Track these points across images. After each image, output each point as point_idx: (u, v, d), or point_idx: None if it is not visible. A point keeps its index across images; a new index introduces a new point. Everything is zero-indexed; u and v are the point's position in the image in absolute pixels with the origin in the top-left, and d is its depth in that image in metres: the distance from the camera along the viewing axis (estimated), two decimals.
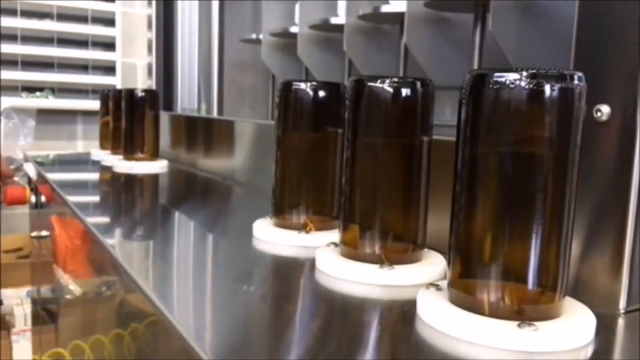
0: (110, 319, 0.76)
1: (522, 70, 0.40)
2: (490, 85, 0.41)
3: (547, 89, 0.40)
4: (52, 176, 1.30)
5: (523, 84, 0.40)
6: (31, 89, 2.71)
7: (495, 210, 0.43)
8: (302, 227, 0.67)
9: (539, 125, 0.41)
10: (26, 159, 1.72)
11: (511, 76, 0.40)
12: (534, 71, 0.40)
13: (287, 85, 0.69)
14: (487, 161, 0.43)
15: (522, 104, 0.40)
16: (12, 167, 2.33)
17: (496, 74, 0.41)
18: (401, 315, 0.48)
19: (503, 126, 0.42)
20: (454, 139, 0.45)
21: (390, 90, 0.53)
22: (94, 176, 1.44)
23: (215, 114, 1.48)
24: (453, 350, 0.41)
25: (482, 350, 0.40)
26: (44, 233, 1.35)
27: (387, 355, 0.41)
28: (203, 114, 1.60)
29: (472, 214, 0.44)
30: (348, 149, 0.56)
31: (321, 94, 0.67)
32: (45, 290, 1.49)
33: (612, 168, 0.47)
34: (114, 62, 2.86)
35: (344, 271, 0.54)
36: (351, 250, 0.56)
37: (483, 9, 0.81)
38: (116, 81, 2.86)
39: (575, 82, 0.41)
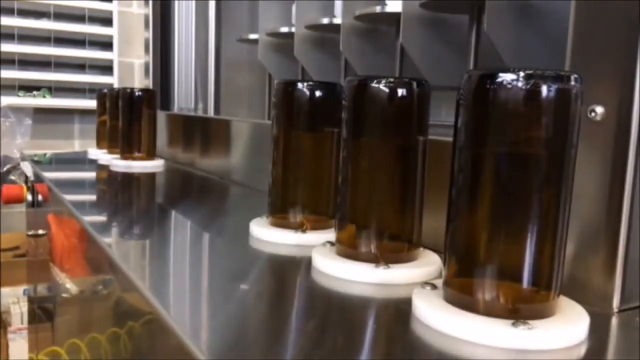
0: (106, 318, 0.76)
1: (519, 71, 0.40)
2: (488, 86, 0.41)
3: (544, 89, 0.40)
4: (49, 175, 1.30)
5: (520, 84, 0.40)
6: (28, 87, 2.70)
7: (491, 209, 0.43)
8: (299, 226, 0.67)
9: (535, 125, 0.41)
10: (23, 158, 1.72)
11: (508, 77, 0.40)
12: (530, 72, 0.40)
13: (283, 85, 0.69)
14: (484, 161, 0.43)
15: (519, 105, 0.41)
16: (9, 165, 2.33)
17: (494, 75, 0.41)
18: (396, 314, 0.48)
19: (500, 126, 0.42)
20: (450, 139, 0.45)
21: (387, 90, 0.53)
22: (91, 175, 1.44)
23: (212, 114, 1.48)
24: (448, 349, 0.41)
25: (477, 348, 0.40)
26: (41, 232, 1.35)
27: (382, 354, 0.41)
28: (200, 113, 1.60)
29: (468, 213, 0.44)
30: (344, 149, 0.57)
31: (318, 93, 0.67)
32: (41, 289, 1.48)
33: (606, 168, 0.47)
34: (111, 62, 2.86)
35: (339, 270, 0.55)
36: (347, 249, 0.56)
37: (478, 9, 0.81)
38: (113, 80, 2.86)
39: (572, 83, 0.41)
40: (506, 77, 0.40)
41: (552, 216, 0.42)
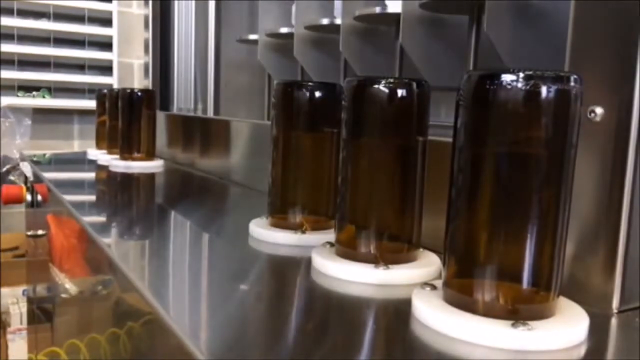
0: (106, 318, 0.76)
1: (519, 71, 0.40)
2: (488, 87, 0.41)
3: (544, 90, 0.40)
4: (49, 175, 1.30)
5: (520, 85, 0.40)
6: (28, 88, 2.70)
7: (490, 210, 0.43)
8: (298, 227, 0.67)
9: (535, 126, 0.41)
10: (22, 158, 1.72)
11: (508, 77, 0.40)
12: (530, 72, 0.40)
13: (283, 86, 0.69)
14: (483, 162, 0.43)
15: (518, 105, 0.41)
16: (8, 166, 2.33)
17: (493, 75, 0.41)
18: (396, 314, 0.48)
19: (499, 127, 0.42)
20: (449, 139, 0.45)
21: (386, 90, 0.53)
22: (90, 175, 1.44)
23: (211, 114, 1.48)
24: (448, 349, 0.41)
25: (477, 349, 0.40)
26: (40, 232, 1.35)
27: (382, 354, 0.41)
28: (199, 113, 1.60)
29: (467, 214, 0.44)
30: (344, 149, 0.57)
31: (317, 94, 0.68)
32: (41, 289, 1.49)
33: (605, 169, 0.47)
34: (110, 62, 2.86)
35: (339, 271, 0.55)
36: (347, 249, 0.56)
37: (478, 10, 0.81)
38: (113, 81, 2.86)
39: (572, 83, 0.41)
40: (506, 77, 0.40)
41: (551, 217, 0.42)
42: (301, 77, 1.24)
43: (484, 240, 0.43)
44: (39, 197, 1.39)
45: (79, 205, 0.94)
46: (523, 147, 0.42)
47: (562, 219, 0.42)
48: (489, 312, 0.42)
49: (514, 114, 0.41)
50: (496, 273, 0.42)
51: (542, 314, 0.42)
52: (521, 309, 0.42)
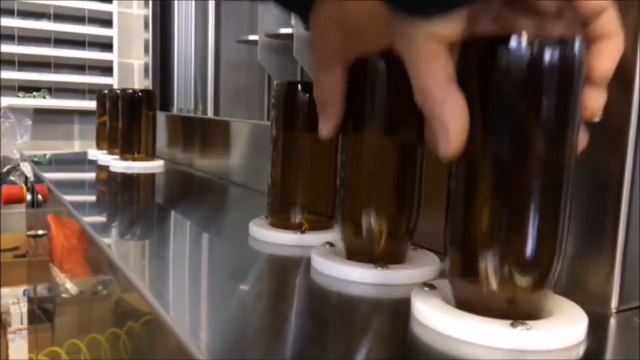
0: (106, 318, 0.76)
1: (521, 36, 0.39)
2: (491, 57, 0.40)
3: (547, 54, 0.38)
4: (49, 175, 1.30)
5: (523, 51, 0.39)
6: (28, 88, 2.71)
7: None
8: (298, 227, 0.67)
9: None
10: (23, 158, 1.72)
11: (513, 43, 0.39)
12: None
13: (283, 86, 0.69)
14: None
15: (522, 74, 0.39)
16: (8, 166, 2.34)
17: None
18: (395, 314, 0.48)
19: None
20: None
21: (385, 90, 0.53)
22: (91, 176, 1.44)
23: (211, 115, 1.48)
24: (447, 349, 0.41)
25: (476, 349, 0.40)
26: (41, 232, 1.35)
27: (381, 354, 0.41)
28: (199, 114, 1.60)
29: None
30: (343, 149, 0.57)
31: None
32: (41, 289, 1.49)
33: (604, 167, 0.47)
34: (110, 62, 2.86)
35: (338, 270, 0.55)
36: (346, 249, 0.56)
37: None
38: (113, 81, 2.86)
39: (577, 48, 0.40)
40: (511, 42, 0.39)
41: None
42: (301, 77, 1.24)
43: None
44: (39, 197, 1.39)
45: (79, 206, 0.94)
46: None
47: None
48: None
49: (518, 83, 0.40)
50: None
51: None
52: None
